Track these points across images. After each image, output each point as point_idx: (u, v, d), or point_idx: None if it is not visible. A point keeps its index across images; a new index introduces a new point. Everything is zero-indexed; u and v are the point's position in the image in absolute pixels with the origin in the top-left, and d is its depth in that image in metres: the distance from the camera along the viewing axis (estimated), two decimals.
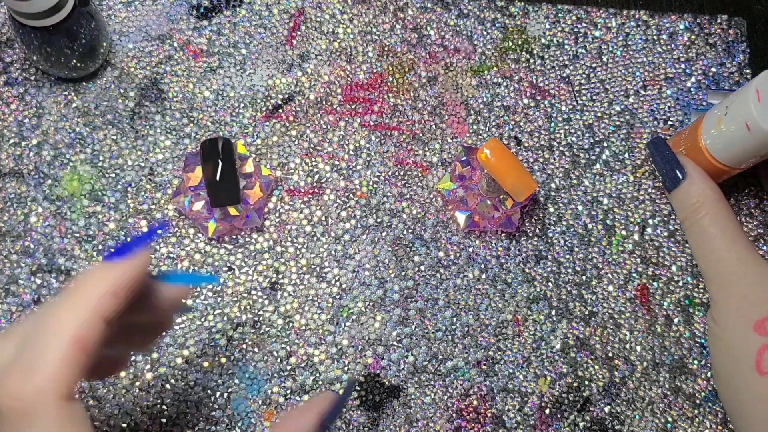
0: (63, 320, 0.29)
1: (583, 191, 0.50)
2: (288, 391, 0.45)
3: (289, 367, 0.45)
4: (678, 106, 0.52)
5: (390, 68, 0.51)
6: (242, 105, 0.50)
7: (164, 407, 0.44)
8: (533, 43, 0.52)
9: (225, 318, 0.46)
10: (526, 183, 0.44)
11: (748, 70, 0.53)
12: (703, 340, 0.47)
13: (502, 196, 0.46)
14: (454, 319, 0.47)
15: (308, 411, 0.35)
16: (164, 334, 0.41)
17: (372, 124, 0.50)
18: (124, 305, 0.31)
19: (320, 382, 0.45)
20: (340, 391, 0.45)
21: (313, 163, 0.49)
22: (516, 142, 0.50)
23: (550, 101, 0.51)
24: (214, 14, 0.52)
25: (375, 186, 0.49)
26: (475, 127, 0.50)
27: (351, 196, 0.48)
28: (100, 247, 0.46)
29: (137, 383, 0.44)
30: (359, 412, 0.45)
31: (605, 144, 0.51)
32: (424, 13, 0.53)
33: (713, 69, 0.52)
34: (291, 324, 0.46)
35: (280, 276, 0.47)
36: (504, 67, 0.52)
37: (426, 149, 0.50)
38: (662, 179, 0.47)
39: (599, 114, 0.51)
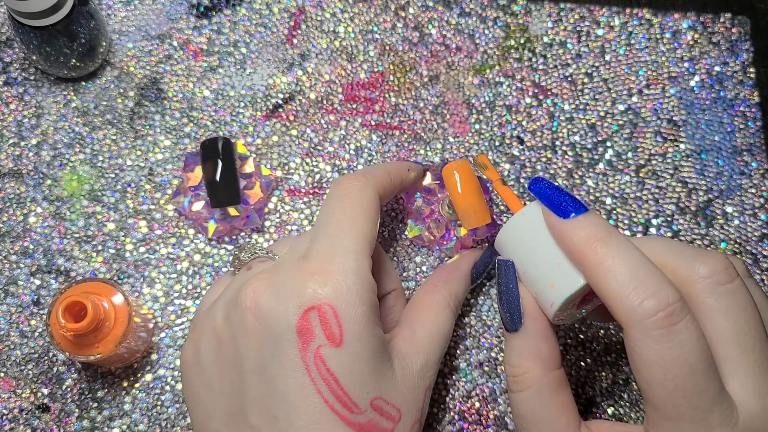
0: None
1: (586, 191, 0.49)
2: None
3: None
4: (681, 105, 0.51)
5: (391, 67, 0.51)
6: (242, 104, 0.49)
7: (164, 409, 0.44)
8: (535, 41, 0.52)
9: None
10: (479, 213, 0.42)
11: (751, 69, 0.52)
12: None
13: (458, 222, 0.45)
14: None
15: (462, 261, 0.43)
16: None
17: (373, 123, 0.50)
18: (392, 189, 0.40)
19: None
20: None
21: (314, 163, 0.49)
22: (519, 141, 0.50)
23: (552, 100, 0.51)
24: (214, 13, 0.51)
25: None
26: (477, 126, 0.50)
27: None
28: (100, 247, 0.46)
29: (137, 385, 0.44)
30: None
31: (608, 143, 0.50)
32: (425, 12, 0.52)
33: (717, 68, 0.52)
34: None
35: None
36: (506, 66, 0.51)
37: (428, 149, 0.49)
38: (501, 311, 0.36)
39: (602, 113, 0.51)
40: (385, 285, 0.41)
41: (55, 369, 0.44)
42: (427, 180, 0.46)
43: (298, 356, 0.33)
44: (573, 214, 0.32)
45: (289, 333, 0.33)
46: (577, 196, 0.49)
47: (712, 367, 0.30)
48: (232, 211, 0.45)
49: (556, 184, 0.41)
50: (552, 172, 0.49)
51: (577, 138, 0.50)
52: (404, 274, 0.47)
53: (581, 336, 0.46)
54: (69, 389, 0.43)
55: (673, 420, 0.30)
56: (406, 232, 0.47)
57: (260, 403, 0.34)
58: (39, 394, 0.43)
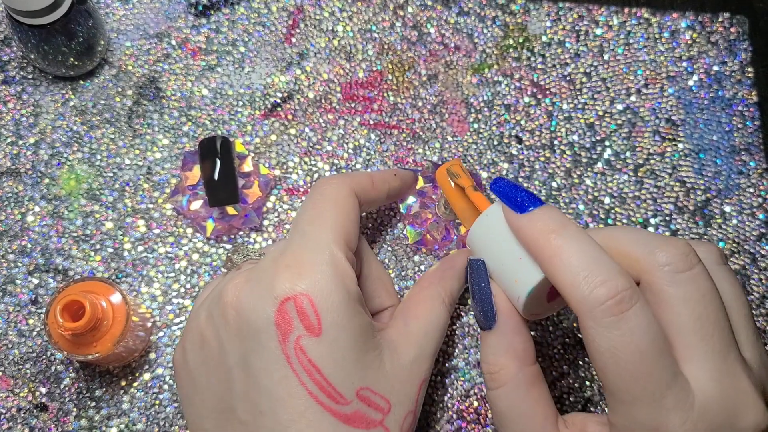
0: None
1: (585, 190, 0.49)
2: None
3: None
4: (680, 104, 0.51)
5: (390, 66, 0.51)
6: (241, 103, 0.49)
7: (162, 408, 0.43)
8: (534, 41, 0.52)
9: None
10: (477, 212, 0.42)
11: (749, 69, 0.52)
12: None
13: (457, 221, 0.45)
14: (454, 318, 0.46)
15: (457, 258, 0.43)
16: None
17: (372, 122, 0.50)
18: (376, 193, 0.41)
19: None
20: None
21: (313, 162, 0.49)
22: (517, 140, 0.50)
23: (551, 99, 0.51)
24: (212, 12, 0.51)
25: None
26: (475, 125, 0.50)
27: None
28: (98, 246, 0.46)
29: (135, 384, 0.44)
30: None
31: (607, 143, 0.50)
32: (424, 11, 0.52)
33: (715, 67, 0.52)
34: None
35: None
36: (505, 65, 0.51)
37: (426, 148, 0.49)
38: (474, 310, 0.37)
39: (601, 112, 0.51)
40: (382, 300, 0.41)
41: (53, 368, 0.44)
42: (420, 183, 0.46)
43: (278, 348, 0.33)
44: (531, 208, 0.32)
45: (268, 326, 0.33)
46: (575, 196, 0.49)
47: (665, 352, 0.30)
48: (230, 210, 0.45)
49: (516, 182, 0.41)
50: (550, 171, 0.49)
51: (575, 137, 0.50)
52: (403, 274, 0.47)
53: (580, 335, 0.47)
54: (67, 388, 0.43)
55: (627, 404, 0.30)
56: (404, 233, 0.47)
57: (247, 398, 0.34)
58: (37, 393, 0.43)
